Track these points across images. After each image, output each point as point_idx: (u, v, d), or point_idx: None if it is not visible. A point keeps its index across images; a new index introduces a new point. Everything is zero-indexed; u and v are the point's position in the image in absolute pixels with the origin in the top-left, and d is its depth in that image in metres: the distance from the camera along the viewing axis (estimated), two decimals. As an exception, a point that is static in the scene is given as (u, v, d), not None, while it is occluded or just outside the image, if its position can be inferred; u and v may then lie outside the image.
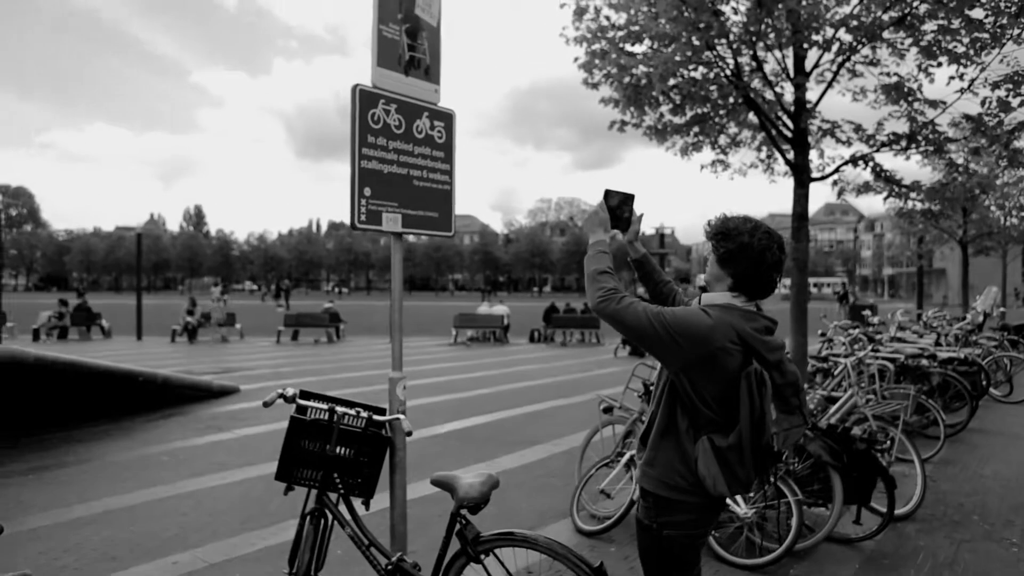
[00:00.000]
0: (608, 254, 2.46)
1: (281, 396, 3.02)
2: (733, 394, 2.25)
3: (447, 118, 3.77)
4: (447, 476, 2.87)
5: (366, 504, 3.28)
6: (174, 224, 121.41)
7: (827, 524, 4.52)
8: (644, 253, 2.79)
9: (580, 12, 7.72)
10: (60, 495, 5.87)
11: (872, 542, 4.76)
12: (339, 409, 3.14)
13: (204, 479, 6.34)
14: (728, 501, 4.34)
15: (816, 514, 4.88)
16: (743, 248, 2.29)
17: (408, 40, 3.54)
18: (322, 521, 3.10)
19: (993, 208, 21.72)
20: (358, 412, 3.18)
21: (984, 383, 8.99)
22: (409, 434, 3.02)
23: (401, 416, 3.16)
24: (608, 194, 2.62)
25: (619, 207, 2.63)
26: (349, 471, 3.18)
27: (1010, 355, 11.72)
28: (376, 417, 3.20)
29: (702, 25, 6.33)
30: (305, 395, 3.21)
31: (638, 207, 2.67)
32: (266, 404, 2.96)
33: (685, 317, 2.24)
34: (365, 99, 3.31)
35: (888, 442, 5.05)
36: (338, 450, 3.13)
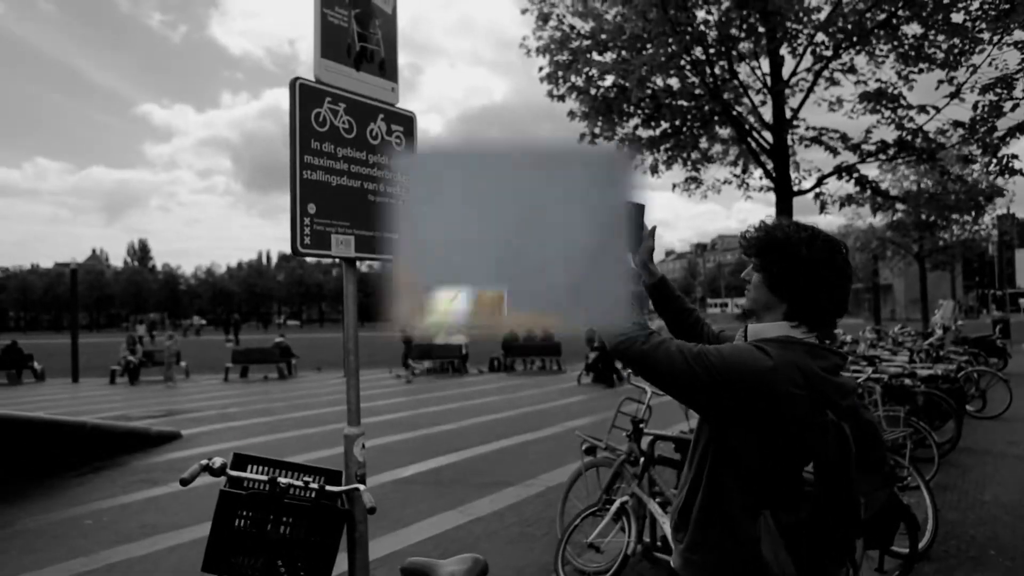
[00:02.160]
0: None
1: (206, 468, 2.38)
2: (800, 454, 1.72)
3: (407, 122, 3.19)
4: (422, 564, 2.26)
5: (318, 595, 2.64)
6: (118, 259, 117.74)
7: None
8: (661, 276, 2.22)
9: (544, 17, 7.25)
10: (-44, 576, 5.02)
11: (894, 590, 4.27)
12: (283, 480, 2.51)
13: (131, 546, 5.51)
14: None
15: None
16: (800, 264, 1.78)
17: (358, 28, 2.96)
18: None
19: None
20: (306, 482, 2.54)
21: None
22: (372, 511, 2.39)
23: (361, 487, 2.51)
24: None
25: (629, 220, 2.05)
26: (296, 555, 2.55)
27: (979, 369, 11.62)
28: (329, 487, 2.56)
29: (679, 28, 5.92)
30: (239, 461, 2.57)
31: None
32: (184, 482, 2.31)
33: (737, 357, 1.70)
34: (307, 96, 2.73)
35: (908, 478, 4.59)
36: (282, 530, 2.50)
